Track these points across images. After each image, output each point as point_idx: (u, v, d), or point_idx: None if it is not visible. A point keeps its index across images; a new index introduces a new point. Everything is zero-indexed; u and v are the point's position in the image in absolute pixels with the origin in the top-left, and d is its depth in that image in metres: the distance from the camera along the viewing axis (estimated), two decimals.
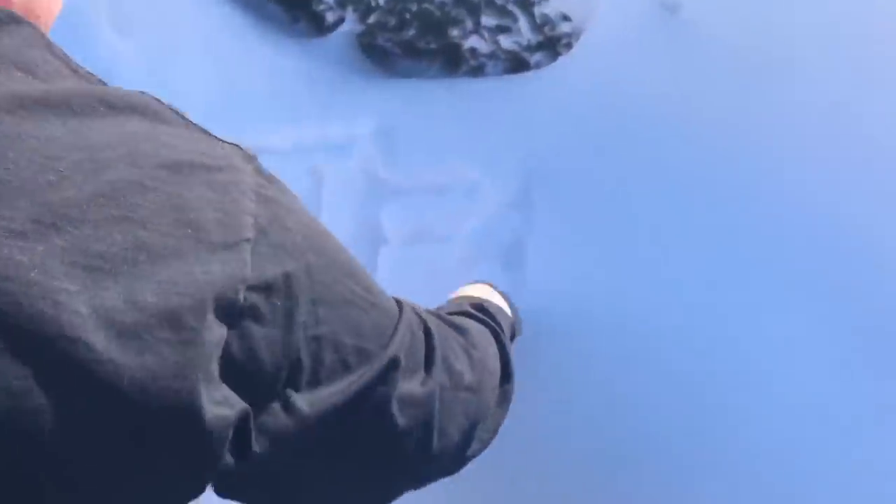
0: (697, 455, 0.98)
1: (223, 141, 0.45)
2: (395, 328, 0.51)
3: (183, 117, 0.44)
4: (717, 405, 1.01)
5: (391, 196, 1.23)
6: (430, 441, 0.55)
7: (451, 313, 0.75)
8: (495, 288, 0.95)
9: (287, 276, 0.42)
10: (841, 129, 1.09)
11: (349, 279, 0.48)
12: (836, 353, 0.99)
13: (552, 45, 1.27)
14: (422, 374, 0.54)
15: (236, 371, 0.40)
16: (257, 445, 0.43)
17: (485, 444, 0.71)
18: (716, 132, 1.15)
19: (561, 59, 1.25)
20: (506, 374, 0.73)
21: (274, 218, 0.42)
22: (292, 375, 0.44)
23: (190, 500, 0.41)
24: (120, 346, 0.34)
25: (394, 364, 0.50)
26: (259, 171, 0.44)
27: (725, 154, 1.13)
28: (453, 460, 0.63)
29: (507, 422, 0.74)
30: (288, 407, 0.44)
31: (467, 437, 0.63)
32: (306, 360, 0.44)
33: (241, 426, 0.41)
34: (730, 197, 1.12)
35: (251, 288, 0.40)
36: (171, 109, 0.44)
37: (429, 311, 0.63)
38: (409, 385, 0.52)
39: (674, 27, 1.18)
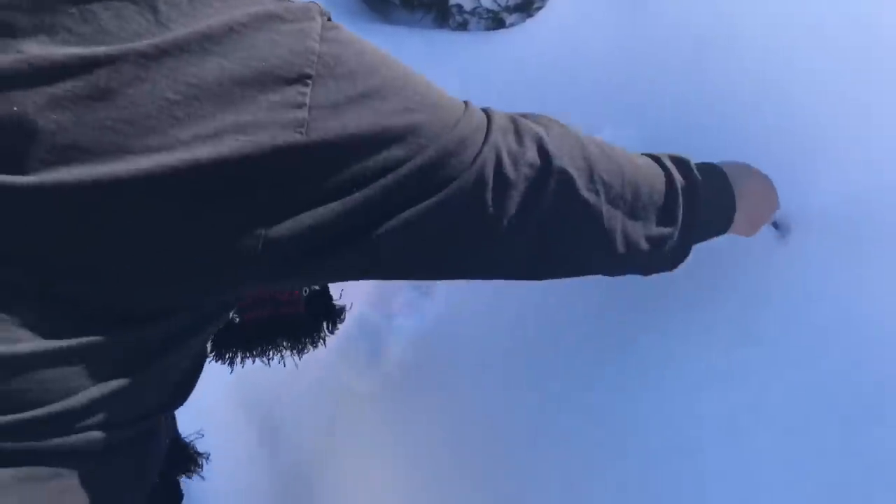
0: None
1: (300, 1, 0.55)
2: (457, 122, 0.58)
3: None
4: None
5: None
6: (485, 198, 0.60)
7: (647, 154, 0.77)
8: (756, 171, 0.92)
9: (348, 98, 0.52)
10: (795, 106, 1.08)
11: (409, 91, 0.56)
12: None
13: (526, 7, 1.32)
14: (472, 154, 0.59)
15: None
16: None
17: (621, 264, 0.72)
18: (669, 95, 1.17)
19: (530, 21, 1.29)
20: (668, 216, 0.72)
21: (337, 55, 0.52)
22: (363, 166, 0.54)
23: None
24: (196, 137, 0.48)
25: (455, 146, 0.57)
26: (327, 21, 0.54)
27: (677, 115, 1.15)
28: (542, 234, 0.65)
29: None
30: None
31: (558, 216, 0.65)
32: (369, 163, 0.53)
33: None
34: (685, 147, 1.12)
35: (314, 108, 0.50)
36: None
37: (509, 115, 0.67)
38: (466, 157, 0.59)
39: None
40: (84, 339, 0.50)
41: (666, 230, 0.73)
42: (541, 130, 0.65)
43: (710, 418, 0.96)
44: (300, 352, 0.92)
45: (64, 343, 0.49)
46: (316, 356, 1.17)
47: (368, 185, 0.54)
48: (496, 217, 0.61)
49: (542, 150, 0.64)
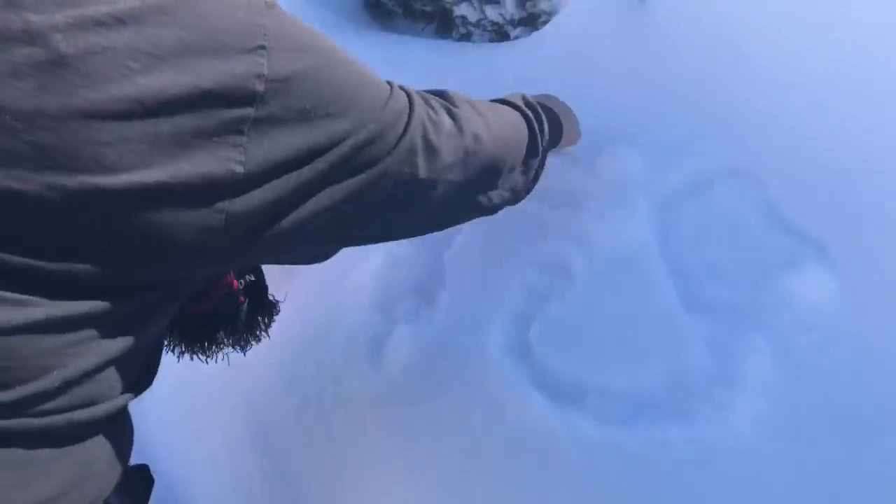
0: None
1: None
2: (388, 98, 0.64)
3: None
4: None
5: None
6: (416, 163, 0.67)
7: (497, 100, 0.91)
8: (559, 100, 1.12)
9: (297, 72, 0.54)
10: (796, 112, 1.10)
11: (347, 67, 0.60)
12: None
13: (532, 20, 1.33)
14: (402, 128, 0.66)
15: (263, 130, 0.53)
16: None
17: (503, 200, 0.86)
18: (673, 110, 1.19)
19: (536, 34, 1.31)
20: (531, 150, 0.88)
21: (282, 29, 0.54)
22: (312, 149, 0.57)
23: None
24: (163, 106, 0.48)
25: (391, 120, 0.63)
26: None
27: (681, 129, 1.17)
28: (456, 188, 0.75)
29: None
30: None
31: (470, 170, 0.75)
32: (318, 137, 0.57)
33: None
34: (690, 162, 1.14)
35: (271, 80, 0.52)
36: None
37: (417, 90, 0.74)
38: (392, 136, 0.65)
39: (639, 13, 1.22)
40: (58, 311, 0.49)
41: (534, 160, 0.89)
42: (446, 103, 0.75)
43: None
44: (242, 347, 0.93)
45: (39, 314, 0.48)
46: (317, 359, 1.16)
47: (319, 156, 0.57)
48: (428, 179, 0.69)
49: (454, 118, 0.73)
